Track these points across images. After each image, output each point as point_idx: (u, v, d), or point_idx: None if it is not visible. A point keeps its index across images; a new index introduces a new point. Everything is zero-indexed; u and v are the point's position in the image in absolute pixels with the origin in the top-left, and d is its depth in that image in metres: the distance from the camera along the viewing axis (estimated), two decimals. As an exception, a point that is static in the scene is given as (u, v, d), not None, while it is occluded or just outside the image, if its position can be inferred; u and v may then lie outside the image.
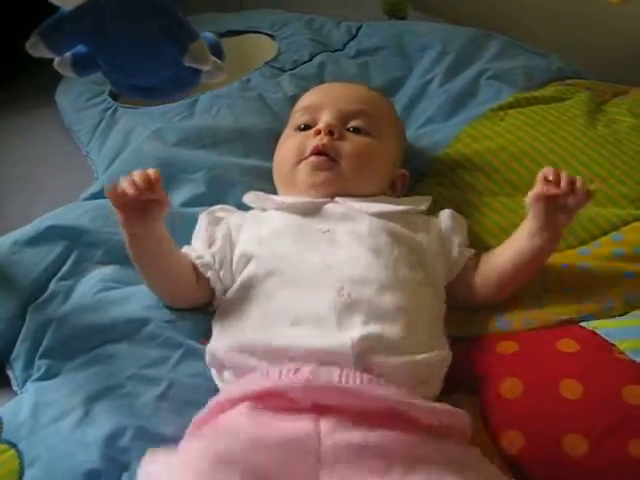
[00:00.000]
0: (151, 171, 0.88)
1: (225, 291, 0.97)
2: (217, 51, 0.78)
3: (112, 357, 0.94)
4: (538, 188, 0.93)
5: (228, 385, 0.89)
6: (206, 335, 0.96)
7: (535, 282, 1.00)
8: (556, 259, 1.03)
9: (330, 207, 1.00)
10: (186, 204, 1.12)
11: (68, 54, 0.73)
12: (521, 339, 0.95)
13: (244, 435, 0.76)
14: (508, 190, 1.12)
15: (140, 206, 0.88)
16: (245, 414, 0.79)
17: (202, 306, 1.00)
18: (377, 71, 1.32)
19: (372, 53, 1.37)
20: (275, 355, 0.85)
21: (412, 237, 0.98)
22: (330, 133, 1.04)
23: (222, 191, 1.14)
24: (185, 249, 0.99)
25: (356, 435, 0.76)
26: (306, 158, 1.04)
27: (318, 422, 0.77)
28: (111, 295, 1.00)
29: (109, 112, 1.29)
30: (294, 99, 1.25)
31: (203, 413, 0.83)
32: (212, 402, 0.83)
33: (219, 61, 0.77)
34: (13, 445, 0.87)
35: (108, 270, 1.04)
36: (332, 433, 0.76)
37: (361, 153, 1.04)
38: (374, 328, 0.85)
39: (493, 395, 0.90)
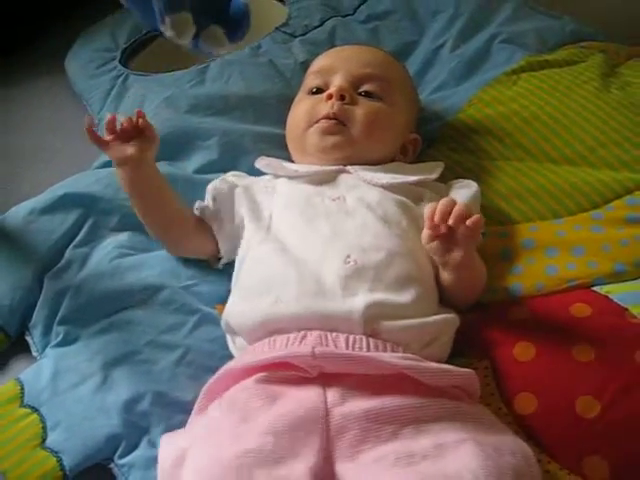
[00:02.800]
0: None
1: (231, 246, 0.99)
2: (242, 17, 0.79)
3: (129, 323, 0.96)
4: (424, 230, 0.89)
5: (238, 355, 0.90)
6: (221, 301, 0.97)
7: (544, 243, 1.00)
8: (569, 222, 1.03)
9: (342, 177, 1.01)
10: (200, 171, 1.13)
11: None
12: (533, 305, 0.95)
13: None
14: (520, 154, 1.12)
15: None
16: (252, 388, 0.80)
17: (209, 258, 1.02)
18: (388, 36, 1.31)
19: (383, 17, 1.35)
20: (281, 324, 0.85)
21: (419, 210, 0.98)
22: (341, 98, 1.03)
23: (235, 158, 1.14)
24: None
25: (363, 403, 0.77)
26: (317, 122, 1.04)
27: (325, 393, 0.78)
28: (127, 261, 1.01)
29: (120, 79, 1.28)
30: (305, 65, 1.24)
31: (212, 382, 0.84)
32: (221, 371, 0.84)
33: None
34: (35, 410, 0.89)
35: (123, 237, 1.05)
36: (339, 405, 0.77)
37: (371, 118, 1.03)
38: (381, 295, 0.86)
39: (505, 359, 0.90)
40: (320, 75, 1.09)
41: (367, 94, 1.06)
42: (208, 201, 1.01)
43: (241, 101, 1.19)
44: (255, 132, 1.17)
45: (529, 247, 1.01)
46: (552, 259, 0.99)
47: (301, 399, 0.78)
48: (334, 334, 0.82)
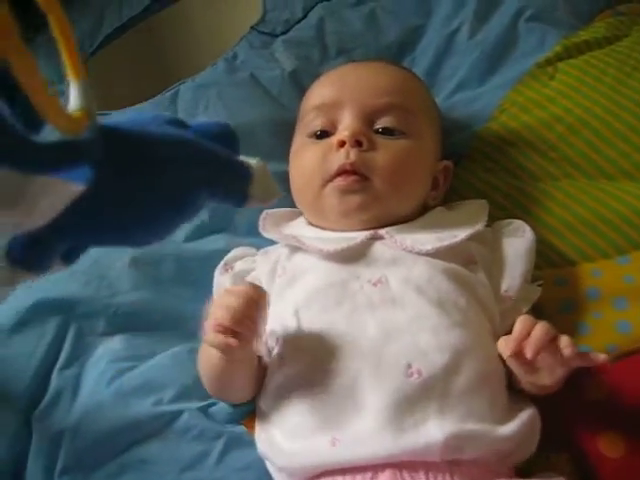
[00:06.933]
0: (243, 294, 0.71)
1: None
2: (229, 142, 0.57)
3: (144, 462, 0.80)
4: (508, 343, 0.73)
5: None
6: (248, 413, 0.82)
7: (610, 292, 0.85)
8: (636, 260, 0.87)
9: (377, 247, 0.82)
10: (190, 238, 0.94)
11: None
12: (609, 377, 0.80)
13: None
14: (568, 170, 0.95)
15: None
16: None
17: None
18: (388, 21, 1.07)
19: (377, -4, 1.10)
20: (342, 466, 0.70)
21: (475, 278, 0.81)
22: (358, 144, 0.83)
23: (229, 213, 0.95)
24: None
25: None
26: (331, 179, 0.84)
27: None
28: (128, 381, 0.83)
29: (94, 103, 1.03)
30: (295, 76, 1.02)
31: None
32: None
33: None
34: None
35: (116, 344, 0.87)
36: None
37: (399, 164, 0.84)
38: (456, 415, 0.71)
39: (591, 454, 0.77)
40: (322, 112, 0.87)
41: (386, 131, 0.85)
42: None
43: (225, 136, 0.98)
44: (248, 174, 0.96)
45: (594, 298, 0.86)
46: (622, 312, 0.84)
47: None
48: (411, 471, 0.68)
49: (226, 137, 0.55)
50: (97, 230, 0.47)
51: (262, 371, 0.80)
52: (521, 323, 0.73)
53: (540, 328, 0.72)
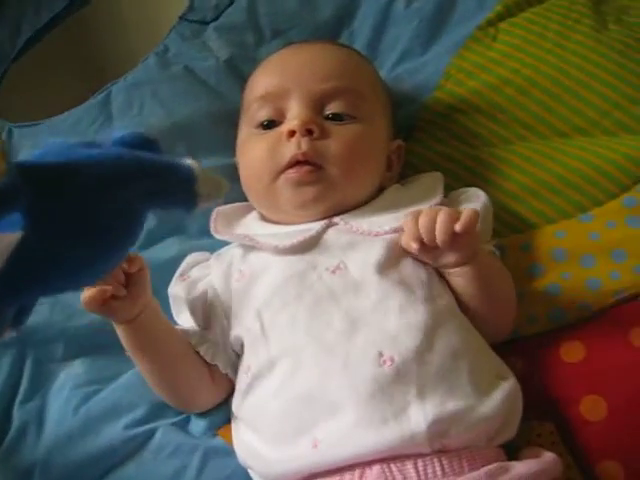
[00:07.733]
0: None
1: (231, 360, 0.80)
2: (152, 148, 0.52)
3: (123, 487, 0.78)
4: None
5: None
6: (222, 423, 0.80)
7: (577, 251, 0.84)
8: (599, 217, 0.87)
9: (332, 235, 0.79)
10: (141, 246, 0.89)
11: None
12: (586, 336, 0.80)
13: None
14: (521, 132, 0.93)
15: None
16: None
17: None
18: (322, -2, 1.03)
19: (308, -27, 1.05)
20: (327, 468, 0.68)
21: None
22: (309, 132, 0.80)
23: (178, 218, 0.91)
24: None
25: None
26: (283, 171, 0.80)
27: None
28: (95, 406, 0.81)
29: (2, 137, 0.97)
30: (231, 63, 0.98)
31: None
32: None
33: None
34: None
35: (78, 369, 0.84)
36: None
37: (353, 150, 0.81)
38: (438, 395, 0.69)
39: (573, 419, 0.77)
40: (269, 101, 0.84)
41: (336, 117, 0.82)
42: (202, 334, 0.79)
43: (165, 135, 0.92)
44: (194, 173, 0.92)
45: (561, 259, 0.85)
46: (590, 270, 0.84)
47: None
48: (399, 464, 0.67)
49: (147, 144, 0.52)
50: (47, 277, 0.43)
51: (218, 375, 0.79)
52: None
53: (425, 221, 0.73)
